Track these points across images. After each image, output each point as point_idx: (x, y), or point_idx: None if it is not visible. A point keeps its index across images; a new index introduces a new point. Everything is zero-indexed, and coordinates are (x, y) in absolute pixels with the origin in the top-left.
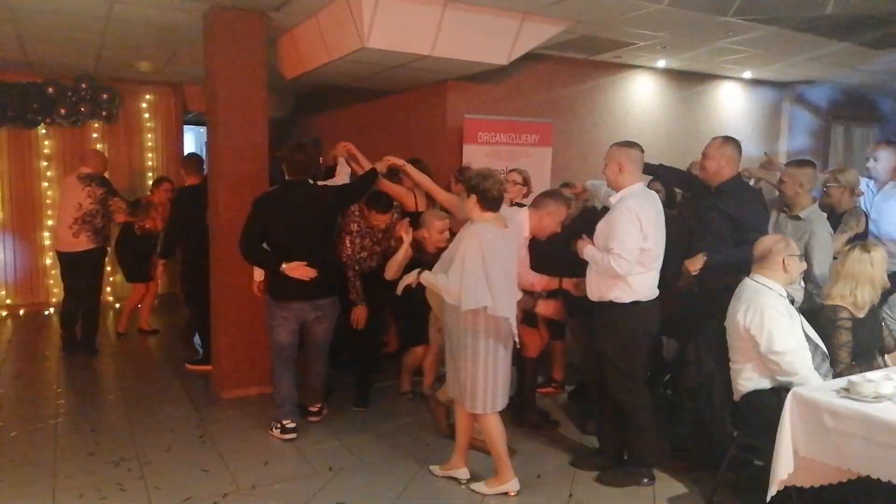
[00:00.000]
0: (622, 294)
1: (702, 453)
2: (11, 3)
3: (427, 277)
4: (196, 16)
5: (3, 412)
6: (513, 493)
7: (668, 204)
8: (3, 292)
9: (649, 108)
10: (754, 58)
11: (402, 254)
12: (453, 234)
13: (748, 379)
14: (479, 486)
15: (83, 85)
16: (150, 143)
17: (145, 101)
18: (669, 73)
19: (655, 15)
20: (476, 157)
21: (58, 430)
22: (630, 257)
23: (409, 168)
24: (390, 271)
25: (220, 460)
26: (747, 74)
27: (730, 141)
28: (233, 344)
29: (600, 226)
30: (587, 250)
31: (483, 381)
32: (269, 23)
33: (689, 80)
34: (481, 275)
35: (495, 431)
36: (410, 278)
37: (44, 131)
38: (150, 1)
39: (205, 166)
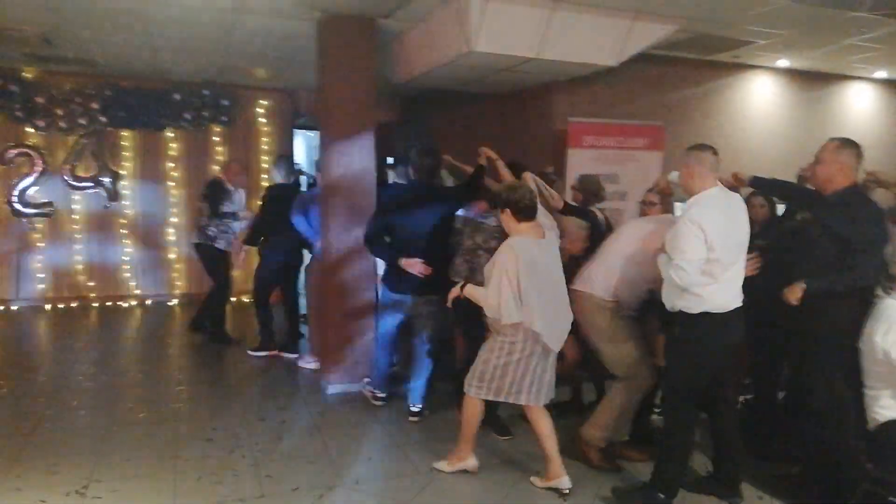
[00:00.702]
0: (690, 304)
1: (827, 487)
2: (148, 18)
3: (469, 290)
4: (310, 24)
5: (133, 395)
6: (472, 470)
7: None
8: (133, 283)
9: (769, 112)
10: (887, 56)
11: None
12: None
13: (886, 407)
14: (440, 465)
15: (206, 91)
16: (264, 146)
17: (261, 106)
18: (791, 73)
19: (778, 12)
20: (581, 161)
21: (179, 415)
22: (690, 268)
23: (501, 164)
24: None
25: (327, 453)
26: (880, 74)
27: (848, 145)
28: (339, 340)
29: (668, 234)
30: (659, 259)
31: (511, 377)
32: (379, 29)
33: (813, 80)
34: (514, 290)
35: (473, 414)
36: (456, 291)
37: (170, 134)
38: (267, 11)
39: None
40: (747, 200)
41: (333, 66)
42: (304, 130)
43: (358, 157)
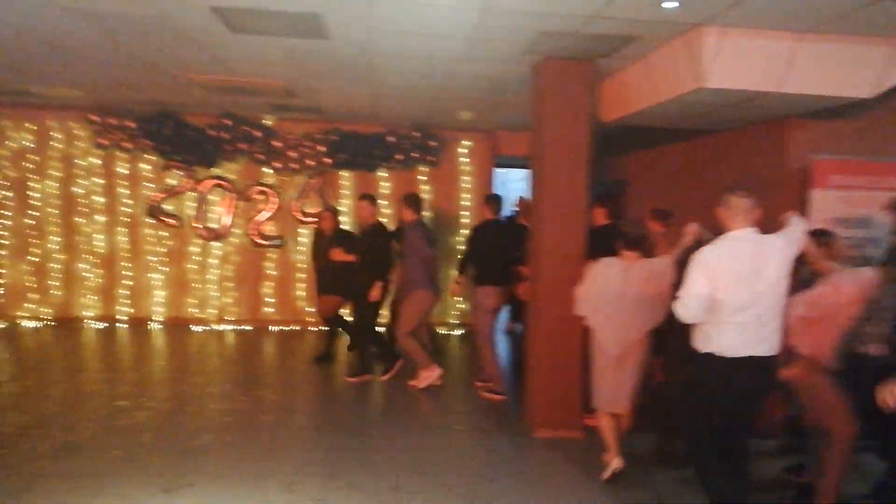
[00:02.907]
0: (700, 341)
1: None
2: (374, 67)
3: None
4: (525, 68)
5: (338, 417)
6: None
7: None
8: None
9: None
10: None
11: None
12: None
13: None
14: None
15: (416, 134)
16: (465, 185)
17: (463, 147)
18: None
19: None
20: (827, 203)
21: (395, 444)
22: (691, 303)
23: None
24: None
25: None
26: None
27: None
28: (547, 385)
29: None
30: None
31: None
32: (595, 69)
33: None
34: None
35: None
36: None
37: (382, 174)
38: (488, 58)
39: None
40: None
41: (549, 107)
42: (500, 169)
43: (571, 197)
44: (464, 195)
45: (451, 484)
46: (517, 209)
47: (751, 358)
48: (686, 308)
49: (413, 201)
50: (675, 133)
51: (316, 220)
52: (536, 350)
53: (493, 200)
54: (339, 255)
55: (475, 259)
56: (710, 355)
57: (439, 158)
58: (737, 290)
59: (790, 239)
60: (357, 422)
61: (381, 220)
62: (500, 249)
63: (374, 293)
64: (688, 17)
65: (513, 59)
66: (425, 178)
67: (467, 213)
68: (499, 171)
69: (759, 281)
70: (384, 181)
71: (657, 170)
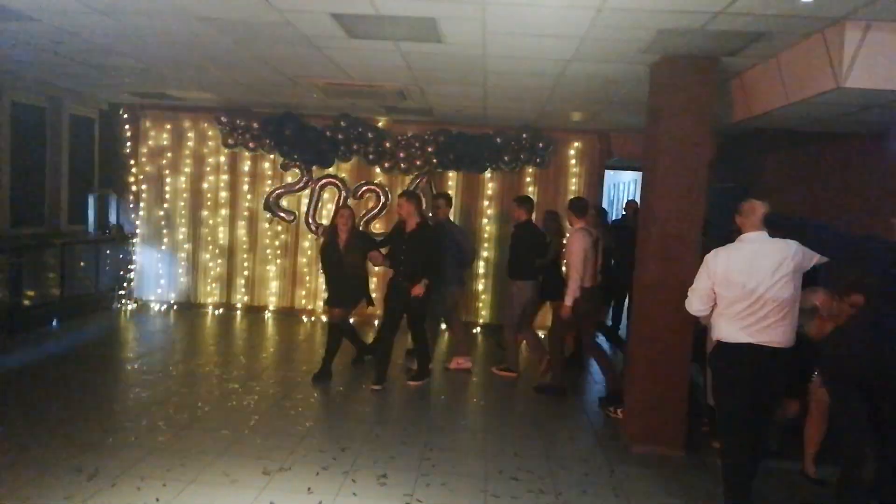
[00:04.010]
0: (713, 330)
1: None
2: (486, 69)
3: None
4: (641, 67)
5: (431, 415)
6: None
7: None
8: None
9: None
10: None
11: None
12: None
13: None
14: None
15: (524, 135)
16: (573, 187)
17: (573, 149)
18: None
19: None
20: None
21: (487, 448)
22: (693, 295)
23: None
24: None
25: None
26: None
27: None
28: (647, 399)
29: None
30: None
31: None
32: (718, 67)
33: None
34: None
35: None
36: None
37: (488, 175)
38: (602, 58)
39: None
40: None
41: (667, 108)
42: (611, 171)
43: (687, 203)
44: (570, 198)
45: (541, 491)
46: (625, 212)
47: (751, 346)
48: (689, 301)
49: (525, 202)
50: (803, 137)
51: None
52: (638, 358)
53: (524, 202)
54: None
55: (513, 256)
56: (718, 342)
57: (547, 160)
58: (729, 283)
59: (807, 252)
60: (451, 422)
61: (424, 220)
62: (529, 248)
63: (417, 290)
64: (826, 11)
65: (628, 59)
66: (532, 179)
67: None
68: (610, 173)
69: (747, 276)
70: (489, 182)
71: (783, 175)
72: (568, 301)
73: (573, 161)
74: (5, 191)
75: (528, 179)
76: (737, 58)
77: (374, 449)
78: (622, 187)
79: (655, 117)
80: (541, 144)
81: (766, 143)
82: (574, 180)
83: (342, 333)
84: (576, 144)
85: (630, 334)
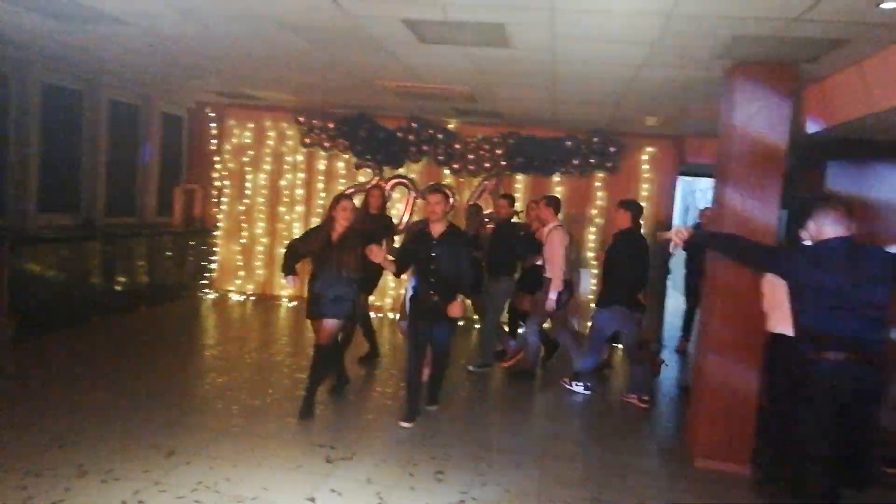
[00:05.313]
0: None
1: None
2: (555, 73)
3: None
4: (716, 73)
5: (492, 414)
6: None
7: None
8: None
9: None
10: None
11: None
12: None
13: None
14: None
15: (595, 139)
16: (645, 193)
17: (646, 153)
18: None
19: None
20: None
21: (545, 451)
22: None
23: None
24: None
25: None
26: None
27: None
28: (712, 411)
29: None
30: None
31: None
32: (795, 74)
33: None
34: None
35: None
36: None
37: (557, 179)
38: (675, 63)
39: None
40: None
41: (740, 115)
42: (683, 177)
43: (759, 213)
44: (643, 204)
45: (596, 499)
46: (700, 220)
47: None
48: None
49: (633, 207)
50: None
51: (489, 221)
52: (706, 368)
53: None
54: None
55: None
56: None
57: (618, 164)
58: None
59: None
60: (510, 422)
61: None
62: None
63: (455, 310)
64: None
65: (701, 65)
66: (601, 184)
67: (643, 223)
68: (686, 179)
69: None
70: (558, 186)
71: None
72: (552, 294)
73: (645, 166)
74: (102, 183)
75: (597, 185)
76: (816, 64)
77: (433, 445)
78: (698, 194)
79: (728, 124)
80: (612, 149)
81: (839, 151)
82: (646, 186)
83: (329, 356)
84: (648, 149)
85: (698, 343)
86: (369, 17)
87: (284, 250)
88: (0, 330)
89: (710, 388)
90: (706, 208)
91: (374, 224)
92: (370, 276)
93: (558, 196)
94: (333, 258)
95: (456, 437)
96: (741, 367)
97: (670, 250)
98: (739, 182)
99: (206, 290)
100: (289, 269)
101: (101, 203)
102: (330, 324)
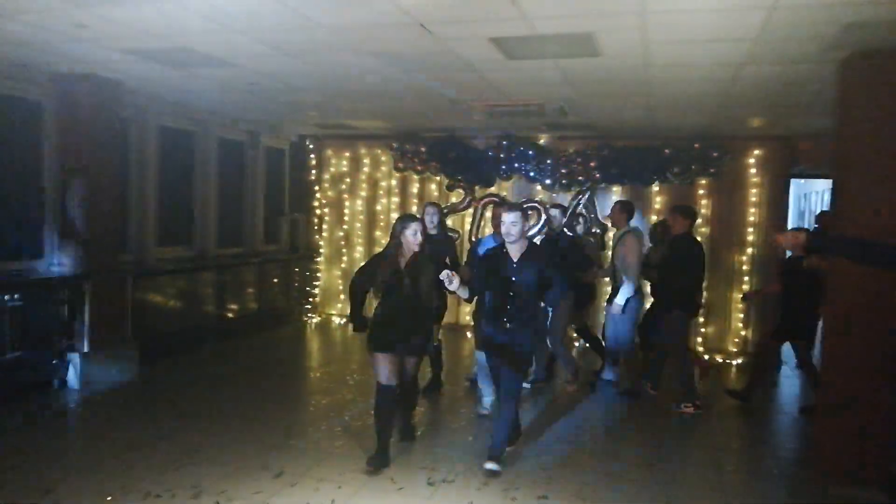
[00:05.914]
0: None
1: None
2: (649, 79)
3: None
4: (829, 66)
5: (591, 437)
6: None
7: None
8: None
9: None
10: None
11: None
12: None
13: None
14: None
15: (695, 145)
16: (753, 198)
17: (753, 157)
18: None
19: None
20: None
21: (654, 476)
22: None
23: None
24: None
25: None
26: None
27: None
28: (847, 428)
29: None
30: None
31: None
32: None
33: None
34: None
35: None
36: None
37: (656, 188)
38: (780, 59)
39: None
40: None
41: (858, 109)
42: (796, 179)
43: (886, 219)
44: (750, 209)
45: None
46: (818, 225)
47: None
48: None
49: (688, 212)
50: None
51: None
52: (835, 382)
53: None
54: None
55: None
56: None
57: (722, 169)
58: None
59: None
60: (614, 447)
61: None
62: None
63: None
64: None
65: (811, 58)
66: (705, 191)
67: (752, 230)
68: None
69: None
70: (657, 195)
71: None
72: (620, 300)
73: (752, 170)
74: (213, 215)
75: (700, 192)
76: None
77: (533, 468)
78: (814, 197)
79: (845, 121)
80: (715, 154)
81: None
82: (754, 191)
83: (404, 394)
84: (756, 152)
85: (824, 358)
86: (458, 39)
87: (349, 291)
88: (127, 356)
89: (841, 402)
90: (823, 212)
91: (435, 246)
92: (441, 304)
93: (631, 201)
94: (404, 286)
95: (559, 461)
96: (865, 389)
97: (785, 256)
98: (861, 184)
99: (310, 315)
100: (357, 318)
101: (213, 235)
102: (407, 361)
